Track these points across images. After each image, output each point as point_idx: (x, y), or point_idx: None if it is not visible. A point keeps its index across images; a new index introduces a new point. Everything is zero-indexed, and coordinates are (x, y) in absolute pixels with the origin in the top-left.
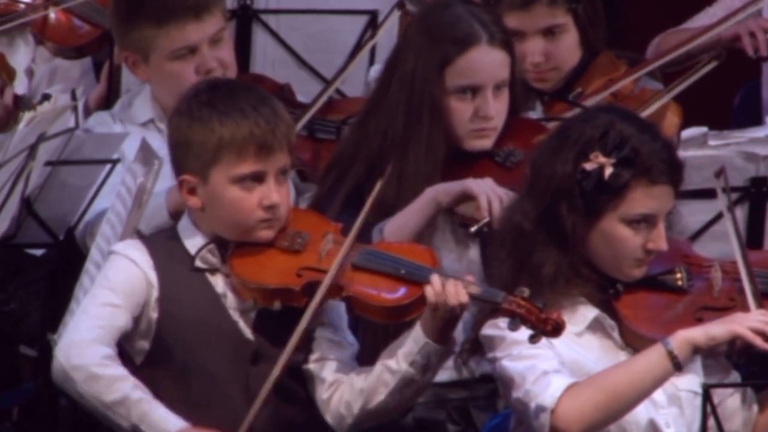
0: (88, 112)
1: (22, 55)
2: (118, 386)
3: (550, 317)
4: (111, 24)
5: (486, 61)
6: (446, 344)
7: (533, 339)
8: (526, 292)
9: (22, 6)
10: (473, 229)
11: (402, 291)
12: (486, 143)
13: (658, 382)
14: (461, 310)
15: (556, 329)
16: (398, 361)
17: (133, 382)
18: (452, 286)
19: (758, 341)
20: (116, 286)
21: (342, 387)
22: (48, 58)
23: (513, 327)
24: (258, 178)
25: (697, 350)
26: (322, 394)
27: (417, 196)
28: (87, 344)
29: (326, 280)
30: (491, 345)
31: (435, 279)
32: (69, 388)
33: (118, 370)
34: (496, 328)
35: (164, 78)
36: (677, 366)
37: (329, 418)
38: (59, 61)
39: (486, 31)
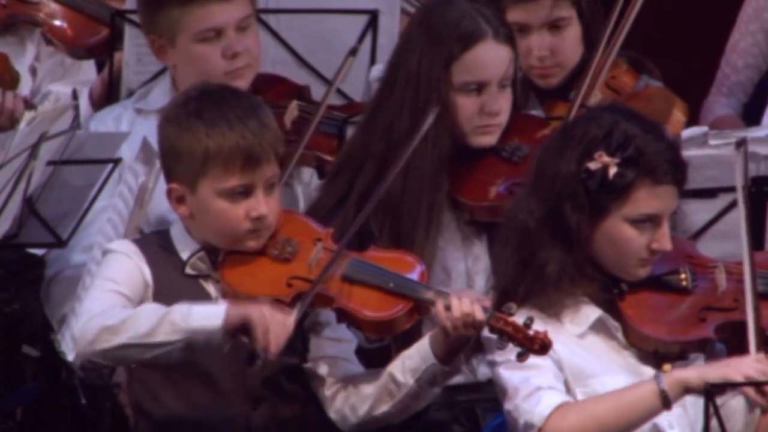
0: (92, 102)
1: (28, 54)
2: (147, 313)
3: (537, 336)
4: (138, 9)
5: (492, 57)
6: (453, 365)
7: (521, 357)
8: (514, 308)
9: (31, 6)
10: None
11: (389, 306)
12: (491, 139)
13: (646, 417)
14: (476, 331)
15: (543, 347)
16: (405, 374)
17: (155, 304)
18: (468, 304)
19: (750, 393)
20: (118, 277)
21: (348, 388)
22: (51, 55)
23: (500, 345)
24: (245, 190)
25: (688, 391)
26: (325, 390)
27: (423, 192)
28: (98, 314)
29: (310, 292)
30: (492, 348)
31: (455, 302)
32: (109, 355)
33: (136, 307)
34: None
35: (191, 61)
36: (666, 404)
37: (333, 415)
38: (61, 59)
39: (491, 26)
